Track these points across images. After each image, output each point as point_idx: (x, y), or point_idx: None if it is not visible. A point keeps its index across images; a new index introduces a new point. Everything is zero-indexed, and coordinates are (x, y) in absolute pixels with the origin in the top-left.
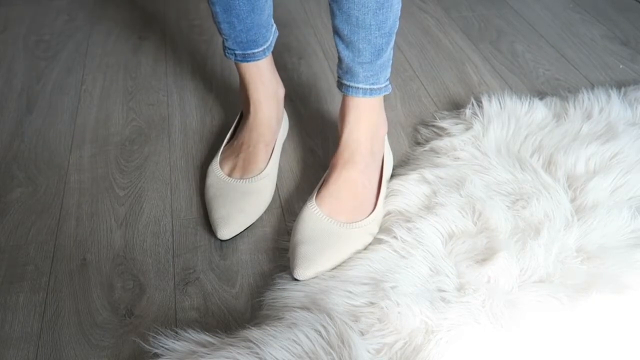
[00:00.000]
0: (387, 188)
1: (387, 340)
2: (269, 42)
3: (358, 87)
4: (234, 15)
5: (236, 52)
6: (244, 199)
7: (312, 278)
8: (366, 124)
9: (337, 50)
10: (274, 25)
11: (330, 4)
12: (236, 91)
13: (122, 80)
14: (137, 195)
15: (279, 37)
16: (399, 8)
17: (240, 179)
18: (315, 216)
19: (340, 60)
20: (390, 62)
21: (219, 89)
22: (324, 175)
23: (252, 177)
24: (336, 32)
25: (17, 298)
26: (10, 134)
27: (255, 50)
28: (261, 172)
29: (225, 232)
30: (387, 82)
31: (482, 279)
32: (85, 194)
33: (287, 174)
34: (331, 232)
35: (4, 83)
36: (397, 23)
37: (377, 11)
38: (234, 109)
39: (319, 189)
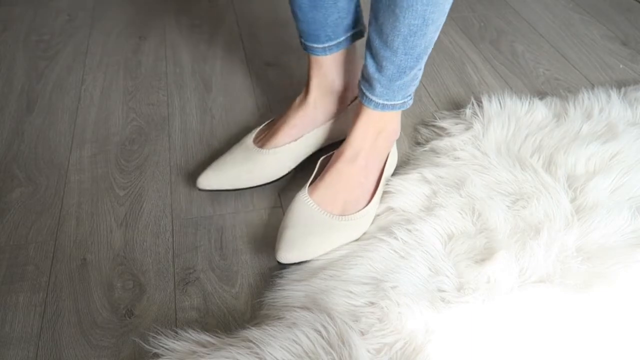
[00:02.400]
0: (387, 187)
1: (387, 340)
2: (333, 43)
3: (371, 99)
4: (297, 6)
5: (301, 38)
6: (242, 163)
7: (295, 264)
8: (374, 130)
9: (365, 56)
10: (354, 30)
11: (371, 10)
12: (236, 91)
13: (122, 80)
14: (137, 195)
15: (279, 36)
16: (435, 36)
17: (256, 147)
18: (304, 204)
19: (364, 66)
20: (415, 82)
21: (219, 89)
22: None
23: (262, 149)
24: (368, 38)
25: (17, 298)
26: (10, 134)
27: (315, 45)
28: (274, 148)
29: (203, 181)
30: (407, 99)
31: (482, 278)
32: (85, 194)
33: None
34: (318, 220)
35: (4, 83)
36: (430, 49)
37: (408, 37)
38: (234, 109)
39: (314, 178)
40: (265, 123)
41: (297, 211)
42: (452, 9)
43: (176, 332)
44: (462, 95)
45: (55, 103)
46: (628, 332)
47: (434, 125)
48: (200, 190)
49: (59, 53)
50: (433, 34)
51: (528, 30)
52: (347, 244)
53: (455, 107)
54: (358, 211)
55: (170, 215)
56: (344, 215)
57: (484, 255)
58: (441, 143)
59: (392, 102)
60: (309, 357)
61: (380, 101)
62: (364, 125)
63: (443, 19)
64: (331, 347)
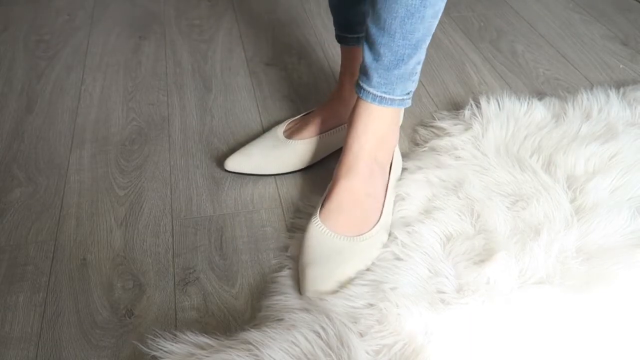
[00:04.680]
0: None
1: (387, 341)
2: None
3: (369, 92)
4: None
5: (335, 30)
6: (269, 151)
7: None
8: (374, 132)
9: (362, 50)
10: None
11: (368, 2)
12: (236, 91)
13: (122, 80)
14: (137, 195)
15: (279, 36)
16: (434, 23)
17: (284, 137)
18: (320, 233)
19: (362, 59)
20: (415, 77)
21: (219, 89)
22: (329, 185)
23: (289, 140)
24: (366, 31)
25: (17, 298)
26: (10, 134)
27: (347, 35)
28: (300, 139)
29: (231, 163)
30: (406, 97)
31: (482, 280)
32: (85, 194)
33: (287, 172)
34: (338, 249)
35: (4, 83)
36: (429, 38)
37: (405, 20)
38: (234, 109)
39: (323, 201)
40: (299, 116)
41: (314, 243)
42: (452, 9)
43: (174, 335)
44: (462, 95)
45: (55, 103)
46: (628, 332)
47: (432, 126)
48: (227, 171)
49: (59, 53)
50: (431, 19)
51: (528, 30)
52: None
53: (455, 107)
54: (374, 226)
55: (170, 215)
56: (362, 234)
57: (484, 257)
58: (441, 143)
59: (391, 97)
60: (308, 358)
61: (378, 93)
62: (362, 122)
63: (442, 4)
64: (330, 348)
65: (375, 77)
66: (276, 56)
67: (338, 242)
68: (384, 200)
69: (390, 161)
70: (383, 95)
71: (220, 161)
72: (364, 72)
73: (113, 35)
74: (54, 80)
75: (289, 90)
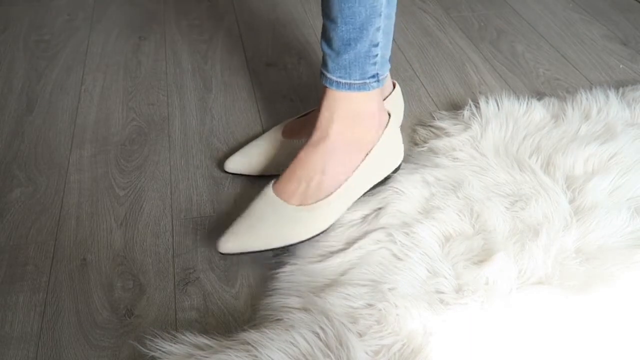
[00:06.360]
0: (384, 188)
1: (386, 342)
2: None
3: (327, 77)
4: None
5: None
6: (269, 152)
7: (236, 254)
8: (339, 115)
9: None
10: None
11: None
12: (236, 91)
13: (122, 80)
14: (137, 195)
15: (279, 36)
16: (377, 4)
17: (284, 138)
18: (265, 195)
19: (320, 45)
20: (374, 59)
21: (219, 89)
22: None
23: (289, 140)
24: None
25: (17, 298)
26: (10, 134)
27: None
28: (301, 139)
29: (230, 164)
30: (369, 80)
31: (481, 280)
32: (85, 194)
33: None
34: (272, 212)
35: (4, 83)
36: (377, 20)
37: (342, 4)
38: (234, 109)
39: None
40: (298, 116)
41: (256, 203)
42: (452, 9)
43: (174, 335)
44: (462, 95)
45: (55, 103)
46: (628, 333)
47: (432, 126)
48: (226, 172)
49: (59, 53)
50: (373, 1)
51: (528, 30)
52: (308, 239)
53: (455, 107)
54: (317, 202)
55: (170, 215)
56: (302, 205)
57: (483, 257)
58: (440, 143)
59: (348, 81)
60: (307, 359)
61: (334, 78)
62: (327, 107)
63: None
64: (329, 349)
65: (329, 63)
66: (276, 56)
67: (274, 206)
68: (344, 183)
69: (369, 143)
70: (339, 80)
71: (220, 161)
72: (323, 57)
73: (113, 35)
74: (54, 80)
75: (289, 90)
